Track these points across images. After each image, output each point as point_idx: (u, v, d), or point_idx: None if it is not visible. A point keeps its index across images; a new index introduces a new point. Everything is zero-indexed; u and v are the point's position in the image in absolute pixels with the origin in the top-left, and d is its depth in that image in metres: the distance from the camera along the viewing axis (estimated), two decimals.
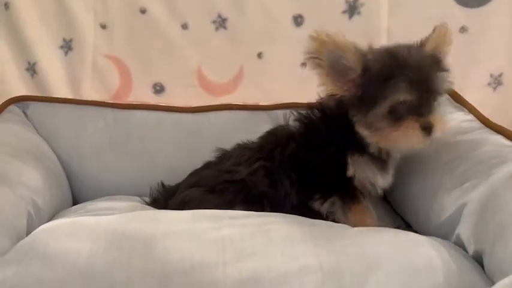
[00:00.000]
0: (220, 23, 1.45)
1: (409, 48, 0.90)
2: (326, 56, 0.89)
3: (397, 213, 1.15)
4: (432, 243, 0.80)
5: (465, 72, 1.40)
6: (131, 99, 1.45)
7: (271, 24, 1.45)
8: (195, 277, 0.66)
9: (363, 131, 0.92)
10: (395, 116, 0.87)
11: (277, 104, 1.27)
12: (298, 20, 1.45)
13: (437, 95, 0.89)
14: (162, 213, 0.86)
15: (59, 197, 1.11)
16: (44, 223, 0.95)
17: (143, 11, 1.44)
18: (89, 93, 1.44)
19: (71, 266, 0.65)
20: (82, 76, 1.44)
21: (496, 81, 1.40)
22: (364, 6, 1.42)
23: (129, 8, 1.44)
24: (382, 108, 0.87)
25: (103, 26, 1.45)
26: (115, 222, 0.75)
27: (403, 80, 0.84)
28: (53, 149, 1.22)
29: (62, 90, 1.43)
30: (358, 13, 1.43)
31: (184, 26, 1.45)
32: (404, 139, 0.88)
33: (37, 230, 0.79)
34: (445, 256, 0.76)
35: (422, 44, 0.94)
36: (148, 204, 1.07)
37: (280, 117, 1.15)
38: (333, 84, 0.91)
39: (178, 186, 1.10)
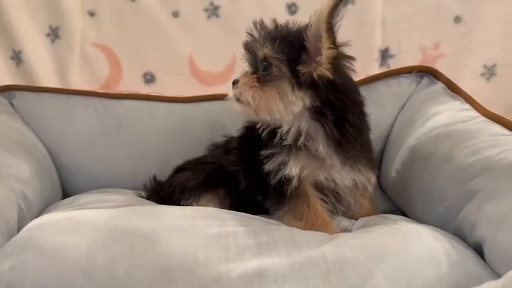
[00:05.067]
0: (213, 10, 1.43)
1: (283, 23, 0.90)
2: None
3: (390, 199, 1.14)
4: (433, 233, 0.80)
5: (459, 62, 1.40)
6: (121, 88, 1.42)
7: (265, 13, 1.40)
8: (199, 271, 0.64)
9: None
10: None
11: None
12: (291, 9, 1.43)
13: (259, 59, 0.87)
14: (162, 208, 0.84)
15: (49, 190, 1.08)
16: (34, 217, 0.92)
17: None
18: (78, 82, 1.40)
19: (71, 261, 0.63)
20: (70, 65, 1.40)
21: (490, 72, 1.40)
22: None
23: None
24: None
25: (91, 13, 1.41)
26: (115, 217, 0.73)
27: (244, 46, 0.92)
28: (41, 140, 1.18)
29: (49, 80, 1.39)
30: (353, 2, 1.42)
31: (176, 14, 1.42)
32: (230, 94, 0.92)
33: (30, 225, 0.76)
34: (447, 247, 0.76)
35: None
36: (145, 198, 1.05)
37: None
38: None
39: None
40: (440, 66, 1.25)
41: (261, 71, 0.87)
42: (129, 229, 0.69)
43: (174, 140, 1.21)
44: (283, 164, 0.88)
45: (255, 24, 0.91)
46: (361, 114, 0.91)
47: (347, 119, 0.86)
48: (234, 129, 1.10)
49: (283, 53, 0.84)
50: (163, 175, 1.14)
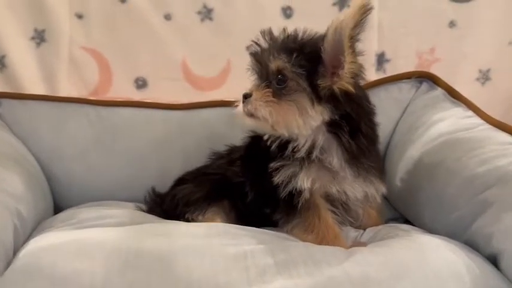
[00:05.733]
0: (206, 14, 1.38)
1: (293, 32, 0.86)
2: None
3: (393, 206, 1.13)
4: (449, 245, 0.79)
5: (454, 67, 1.40)
6: (111, 94, 1.36)
7: (259, 16, 1.39)
8: None
9: None
10: None
11: None
12: (287, 12, 1.40)
13: (272, 71, 0.84)
14: (173, 225, 0.80)
15: (42, 204, 1.02)
16: (28, 235, 0.88)
17: (123, 0, 1.35)
18: (66, 88, 1.33)
19: None
20: (57, 70, 1.34)
21: (484, 77, 1.41)
22: None
23: None
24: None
25: (79, 16, 1.35)
26: (125, 237, 0.69)
27: (251, 55, 0.89)
28: (30, 151, 1.12)
29: (35, 86, 1.32)
30: (349, 5, 1.39)
31: (168, 17, 1.37)
32: (238, 107, 0.88)
33: (31, 247, 0.71)
34: (466, 260, 0.74)
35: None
36: (146, 212, 1.00)
37: None
38: None
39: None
40: (435, 71, 1.25)
41: (274, 84, 0.83)
42: (143, 252, 0.65)
43: (172, 149, 1.17)
44: (294, 176, 0.85)
45: (263, 33, 0.87)
46: (373, 124, 0.89)
47: (361, 129, 0.84)
48: (234, 137, 1.08)
49: (300, 66, 0.80)
50: (162, 186, 1.10)
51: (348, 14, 0.76)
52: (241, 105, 0.86)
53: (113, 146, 1.15)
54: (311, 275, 0.68)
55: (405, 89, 1.23)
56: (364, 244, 0.86)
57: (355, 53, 0.78)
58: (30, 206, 0.93)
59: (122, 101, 1.21)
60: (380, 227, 0.97)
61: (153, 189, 1.09)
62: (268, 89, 0.83)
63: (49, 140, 1.14)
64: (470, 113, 1.08)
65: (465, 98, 1.13)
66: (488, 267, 0.75)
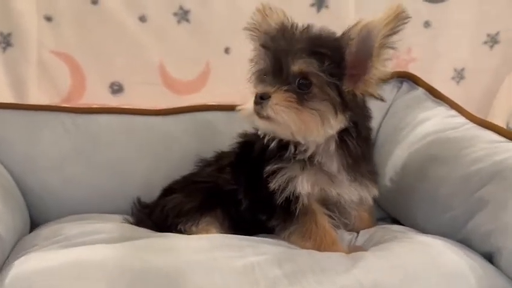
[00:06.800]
0: (182, 15, 1.34)
1: (301, 28, 0.83)
2: (263, 29, 0.86)
3: (381, 206, 1.13)
4: (449, 246, 0.80)
5: (430, 66, 1.42)
6: (86, 101, 1.29)
7: (238, 17, 1.35)
8: None
9: None
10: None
11: None
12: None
13: (293, 73, 0.78)
14: (172, 239, 0.76)
15: (19, 221, 0.95)
16: (7, 255, 0.82)
17: (94, 2, 1.28)
18: (36, 95, 1.26)
19: None
20: (26, 76, 1.26)
21: (459, 75, 1.44)
22: None
23: None
24: (251, 74, 0.84)
25: (48, 18, 1.27)
26: (125, 255, 0.65)
27: (265, 49, 0.81)
28: (3, 164, 1.04)
29: (2, 93, 1.23)
30: (326, 6, 1.39)
31: (143, 18, 1.32)
32: (248, 106, 0.80)
33: (22, 270, 0.66)
34: (467, 260, 0.76)
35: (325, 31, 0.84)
36: (134, 225, 0.96)
37: None
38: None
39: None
40: (412, 71, 1.27)
41: (295, 87, 0.77)
42: (149, 271, 0.61)
43: (155, 157, 1.11)
44: (292, 179, 0.83)
45: (282, 28, 0.82)
46: (369, 129, 0.89)
47: (363, 134, 0.83)
48: (220, 142, 1.05)
49: (330, 73, 0.76)
50: (147, 196, 1.06)
51: (379, 18, 0.75)
52: (252, 104, 0.78)
53: (92, 156, 1.09)
54: (321, 284, 0.66)
55: (387, 90, 1.22)
56: (362, 248, 0.86)
57: (385, 59, 0.76)
58: (9, 225, 0.87)
59: (99, 107, 1.15)
60: (373, 229, 0.97)
61: (139, 200, 1.04)
62: (290, 93, 0.76)
63: (22, 151, 1.07)
64: (453, 112, 1.10)
65: (447, 97, 1.15)
66: (488, 266, 0.77)
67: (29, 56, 1.26)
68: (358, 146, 0.82)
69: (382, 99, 0.80)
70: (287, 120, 0.76)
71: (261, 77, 0.83)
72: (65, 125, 1.10)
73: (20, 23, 1.25)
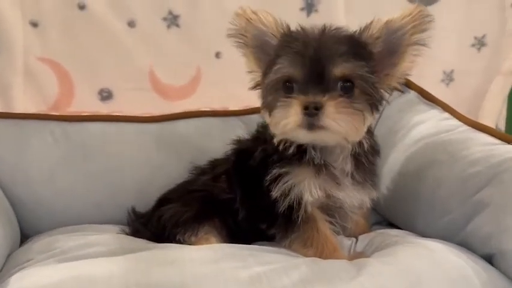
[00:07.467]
0: (172, 20, 1.32)
1: (323, 28, 0.80)
2: (251, 34, 0.84)
3: (377, 210, 1.13)
4: (451, 249, 0.79)
5: (420, 69, 1.42)
6: (74, 108, 1.26)
7: (228, 22, 1.35)
8: None
9: (265, 116, 0.82)
10: (286, 94, 0.77)
11: (248, 109, 1.18)
12: None
13: (335, 77, 0.75)
14: (176, 251, 0.74)
15: (10, 234, 0.92)
16: None
17: (82, 7, 1.26)
18: (22, 103, 1.22)
19: None
20: (12, 83, 1.22)
21: (448, 78, 1.45)
22: (321, 3, 1.39)
23: (64, 3, 1.25)
24: (270, 80, 0.79)
25: (34, 24, 1.24)
26: (130, 270, 0.62)
27: (292, 54, 0.76)
28: None
29: None
30: (316, 10, 1.39)
31: (132, 24, 1.30)
32: (284, 117, 0.75)
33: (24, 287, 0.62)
34: (470, 263, 0.75)
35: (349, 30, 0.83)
36: (130, 235, 0.93)
37: (253, 122, 1.06)
38: (255, 63, 0.85)
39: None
40: None
41: (339, 91, 0.75)
42: (154, 285, 0.59)
43: (149, 165, 1.09)
44: (296, 185, 0.82)
45: (323, 29, 0.78)
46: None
47: (371, 131, 0.86)
48: (214, 149, 1.03)
49: (370, 72, 0.75)
50: (141, 205, 1.03)
51: (400, 16, 0.79)
52: (296, 117, 0.73)
53: (83, 165, 1.06)
54: None
55: None
56: (363, 255, 0.85)
57: (413, 55, 0.79)
58: (0, 238, 0.84)
59: (90, 115, 1.12)
60: (372, 234, 0.96)
61: (134, 210, 1.01)
62: (341, 99, 0.74)
63: (10, 161, 1.04)
64: (446, 114, 1.11)
65: (439, 100, 1.15)
66: (491, 268, 0.77)
67: (14, 63, 1.22)
68: (369, 144, 0.83)
69: (402, 91, 0.86)
70: (344, 127, 0.74)
71: (288, 85, 0.78)
72: (55, 134, 1.07)
73: (5, 29, 1.21)
